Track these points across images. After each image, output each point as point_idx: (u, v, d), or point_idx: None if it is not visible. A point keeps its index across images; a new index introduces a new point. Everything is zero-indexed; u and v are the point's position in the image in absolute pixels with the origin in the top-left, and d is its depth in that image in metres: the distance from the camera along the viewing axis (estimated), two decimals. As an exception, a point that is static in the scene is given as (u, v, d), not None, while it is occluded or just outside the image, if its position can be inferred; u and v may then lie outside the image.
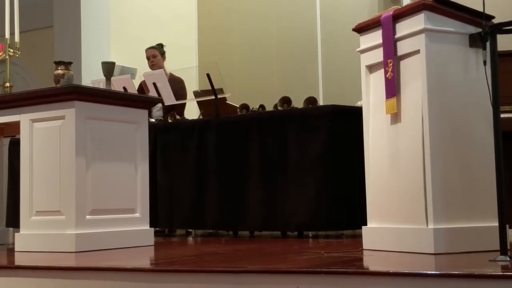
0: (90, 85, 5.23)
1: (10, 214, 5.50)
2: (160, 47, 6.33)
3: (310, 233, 4.72)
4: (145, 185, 4.33)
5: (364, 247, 3.44)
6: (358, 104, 4.67)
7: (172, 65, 6.51)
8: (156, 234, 4.86)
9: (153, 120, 5.62)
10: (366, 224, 3.50)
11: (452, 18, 3.21)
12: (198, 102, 5.86)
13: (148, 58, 6.31)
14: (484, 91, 2.97)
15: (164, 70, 6.10)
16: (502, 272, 2.34)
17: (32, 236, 3.98)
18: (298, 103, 5.01)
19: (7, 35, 4.69)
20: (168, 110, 5.79)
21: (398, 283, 2.37)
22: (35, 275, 3.04)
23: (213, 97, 5.26)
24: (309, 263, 2.82)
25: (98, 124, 4.07)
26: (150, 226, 4.35)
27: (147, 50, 6.34)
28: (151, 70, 6.04)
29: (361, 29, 3.56)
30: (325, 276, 2.47)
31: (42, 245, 3.90)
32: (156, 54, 6.27)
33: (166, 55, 6.39)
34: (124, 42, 7.59)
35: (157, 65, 6.21)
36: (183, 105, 6.12)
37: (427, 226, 3.10)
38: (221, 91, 5.32)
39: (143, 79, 5.90)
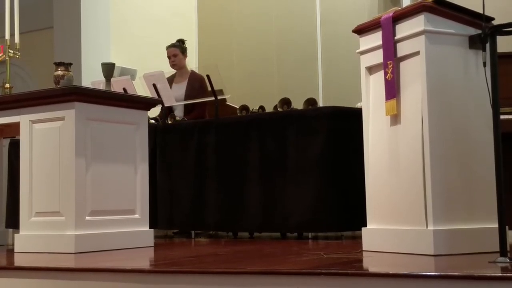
0: (90, 86, 5.23)
1: (9, 215, 5.48)
2: (181, 44, 6.09)
3: (310, 234, 4.72)
4: (145, 186, 4.33)
5: (363, 249, 3.44)
6: (358, 105, 4.67)
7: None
8: (157, 236, 4.86)
9: (153, 120, 5.62)
10: (365, 225, 3.50)
11: (452, 19, 3.21)
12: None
13: (168, 57, 6.09)
14: (484, 92, 2.97)
15: (186, 68, 6.08)
16: (502, 273, 2.34)
17: (32, 237, 3.98)
18: (298, 104, 5.01)
19: (7, 36, 4.68)
20: (190, 109, 5.77)
21: (398, 284, 2.37)
22: (35, 276, 3.04)
23: (213, 98, 5.27)
24: (308, 264, 2.82)
25: (98, 125, 4.07)
26: (150, 227, 4.35)
27: (168, 48, 6.10)
28: (153, 71, 5.99)
29: (361, 30, 3.56)
30: (325, 277, 2.47)
31: (42, 246, 3.90)
32: (177, 53, 6.04)
33: None
34: (124, 43, 7.59)
35: (178, 64, 6.06)
36: (203, 105, 5.90)
37: (427, 227, 3.10)
38: (221, 92, 5.32)
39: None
